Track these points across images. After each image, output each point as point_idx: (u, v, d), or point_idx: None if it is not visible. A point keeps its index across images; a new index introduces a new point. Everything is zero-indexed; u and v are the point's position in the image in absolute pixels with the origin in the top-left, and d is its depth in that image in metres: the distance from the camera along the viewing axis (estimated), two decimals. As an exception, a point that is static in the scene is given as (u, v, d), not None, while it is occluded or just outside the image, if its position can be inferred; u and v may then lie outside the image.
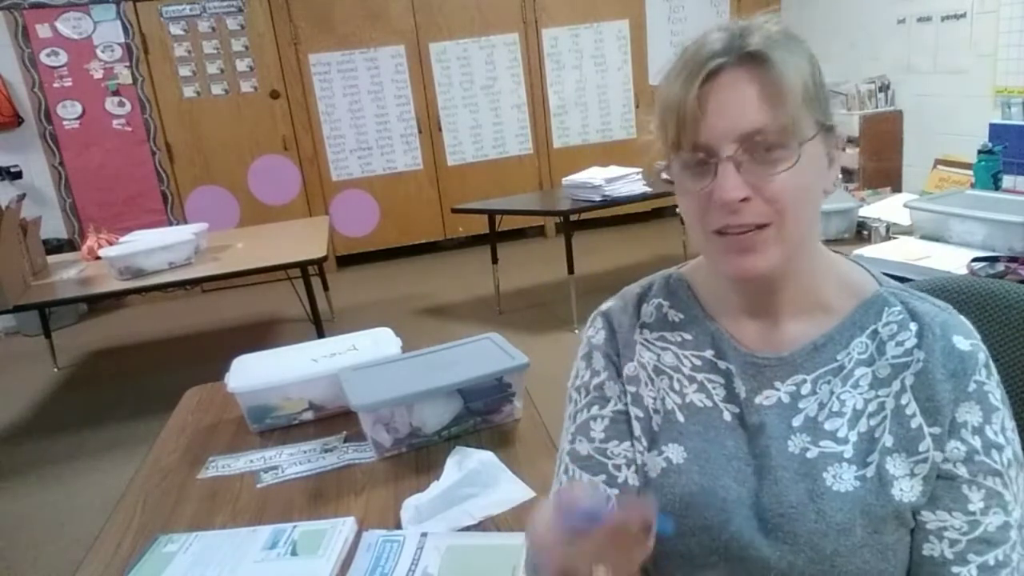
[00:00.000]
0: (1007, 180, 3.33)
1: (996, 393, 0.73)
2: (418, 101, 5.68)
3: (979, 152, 2.93)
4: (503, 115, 5.85)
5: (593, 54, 5.89)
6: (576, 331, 3.93)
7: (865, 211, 2.73)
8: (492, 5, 5.62)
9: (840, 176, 0.83)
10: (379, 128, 5.67)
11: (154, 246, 3.32)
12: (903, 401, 0.73)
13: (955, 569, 0.71)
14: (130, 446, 3.19)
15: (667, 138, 0.72)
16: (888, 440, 0.73)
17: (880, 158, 4.84)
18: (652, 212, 5.87)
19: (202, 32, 5.24)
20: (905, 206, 2.59)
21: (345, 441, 1.48)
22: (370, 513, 1.23)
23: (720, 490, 0.76)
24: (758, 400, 0.78)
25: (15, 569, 2.48)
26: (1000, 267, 2.06)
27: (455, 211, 4.63)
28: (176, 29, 5.20)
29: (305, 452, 1.45)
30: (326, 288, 4.56)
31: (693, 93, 0.69)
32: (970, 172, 3.07)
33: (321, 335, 3.30)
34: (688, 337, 0.83)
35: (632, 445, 0.82)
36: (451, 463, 1.31)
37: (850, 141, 4.89)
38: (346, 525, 1.18)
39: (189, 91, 5.31)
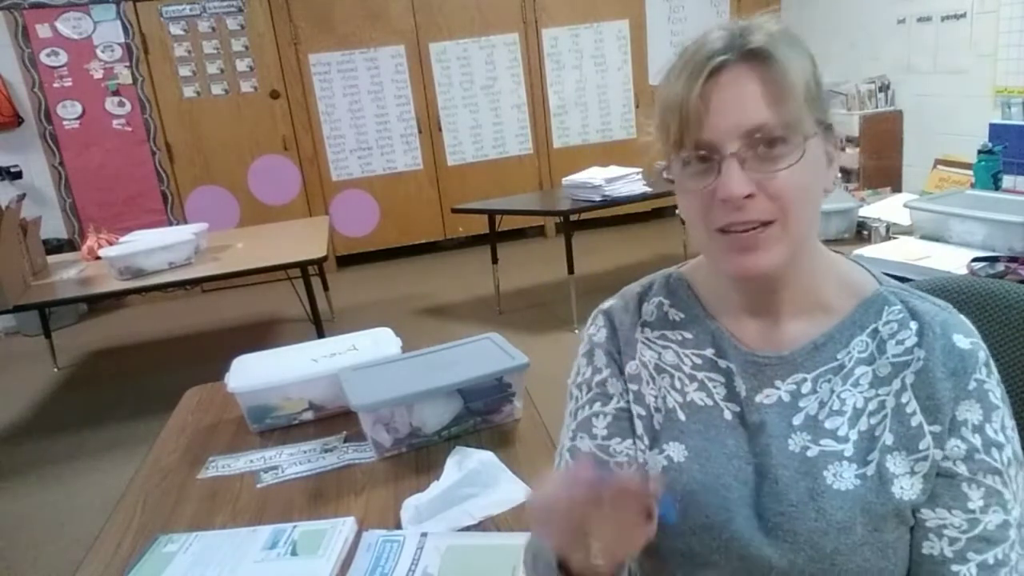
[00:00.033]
0: (1007, 180, 3.33)
1: (996, 392, 0.73)
2: (418, 101, 5.68)
3: (979, 152, 2.93)
4: (503, 115, 5.85)
5: (593, 54, 5.90)
6: (576, 331, 3.93)
7: (865, 211, 2.73)
8: (492, 5, 5.62)
9: (839, 176, 0.83)
10: (379, 128, 5.67)
11: (154, 246, 3.32)
12: (903, 399, 0.73)
13: (954, 567, 0.71)
14: (130, 446, 3.19)
15: (669, 137, 0.72)
16: (888, 438, 0.73)
17: (880, 158, 4.84)
18: (652, 212, 5.87)
19: (202, 32, 5.24)
20: (905, 206, 2.59)
21: (345, 441, 1.48)
22: (370, 513, 1.23)
23: (721, 488, 0.76)
24: (758, 399, 0.78)
25: (15, 569, 2.48)
26: (1000, 267, 2.06)
27: (455, 211, 4.63)
28: (176, 29, 5.20)
29: (305, 452, 1.45)
30: (326, 288, 4.56)
31: (696, 91, 0.69)
32: (970, 172, 3.07)
33: (321, 335, 3.30)
34: (689, 336, 0.83)
35: (634, 443, 0.82)
36: (451, 463, 1.31)
37: (850, 141, 4.89)
38: (346, 525, 1.18)
39: (189, 91, 5.31)
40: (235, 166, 5.47)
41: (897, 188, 4.19)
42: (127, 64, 5.14)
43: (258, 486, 1.35)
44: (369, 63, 5.53)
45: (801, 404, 0.76)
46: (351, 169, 5.70)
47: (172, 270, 3.32)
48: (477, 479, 1.24)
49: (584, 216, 4.37)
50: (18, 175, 5.07)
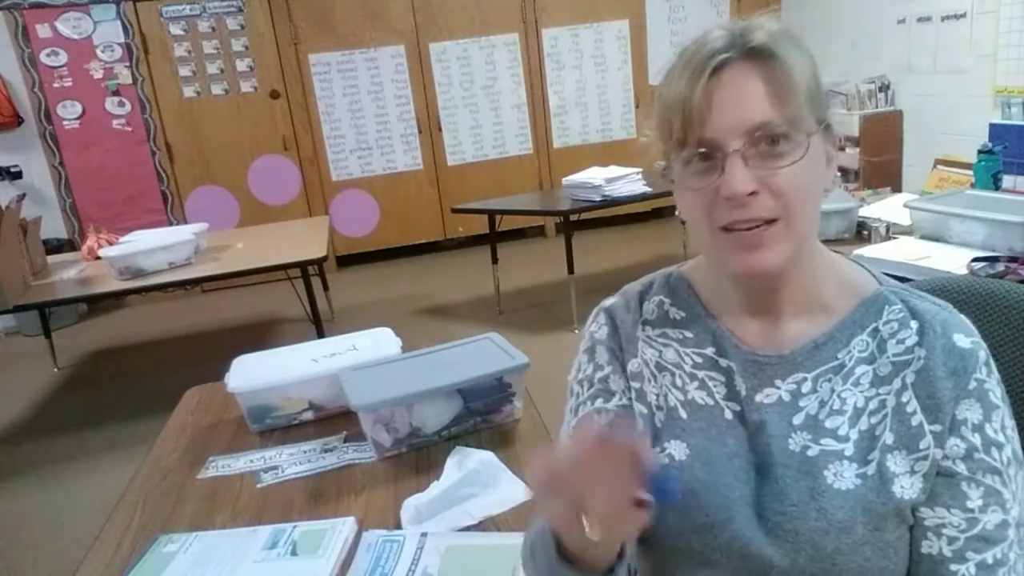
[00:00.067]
0: (1007, 180, 3.33)
1: (996, 391, 0.73)
2: (418, 101, 5.68)
3: (979, 152, 2.93)
4: (503, 115, 5.85)
5: (593, 54, 5.90)
6: (576, 331, 3.92)
7: (865, 211, 2.73)
8: (492, 5, 5.62)
9: (839, 175, 0.83)
10: (379, 128, 5.67)
11: (154, 246, 3.32)
12: (904, 399, 0.73)
13: (953, 567, 0.71)
14: (130, 446, 3.19)
15: (672, 136, 0.72)
16: (889, 438, 0.73)
17: (880, 158, 4.84)
18: (652, 212, 5.87)
19: (202, 32, 5.24)
20: (905, 206, 2.59)
21: (345, 441, 1.48)
22: (370, 513, 1.23)
23: (723, 488, 0.76)
24: (758, 398, 0.78)
25: (15, 569, 2.48)
26: (1000, 267, 2.06)
27: (455, 211, 4.63)
28: (176, 29, 5.20)
29: (305, 452, 1.45)
30: (326, 288, 4.56)
31: (699, 89, 0.69)
32: (970, 172, 3.07)
33: (321, 335, 3.30)
34: (689, 335, 0.83)
35: None
36: (451, 463, 1.31)
37: (850, 141, 4.89)
38: (346, 525, 1.18)
39: (189, 91, 5.31)
40: (235, 166, 5.47)
41: (897, 188, 4.20)
42: (127, 64, 5.14)
43: (258, 486, 1.35)
44: (369, 63, 5.53)
45: (801, 403, 0.76)
46: (351, 169, 5.70)
47: (172, 270, 3.32)
48: (477, 479, 1.24)
49: (584, 216, 4.37)
50: (18, 175, 5.07)
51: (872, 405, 0.74)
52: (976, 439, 0.71)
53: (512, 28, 5.70)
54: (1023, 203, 2.37)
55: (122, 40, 5.11)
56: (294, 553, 1.13)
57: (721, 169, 0.70)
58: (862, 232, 2.60)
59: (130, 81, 5.17)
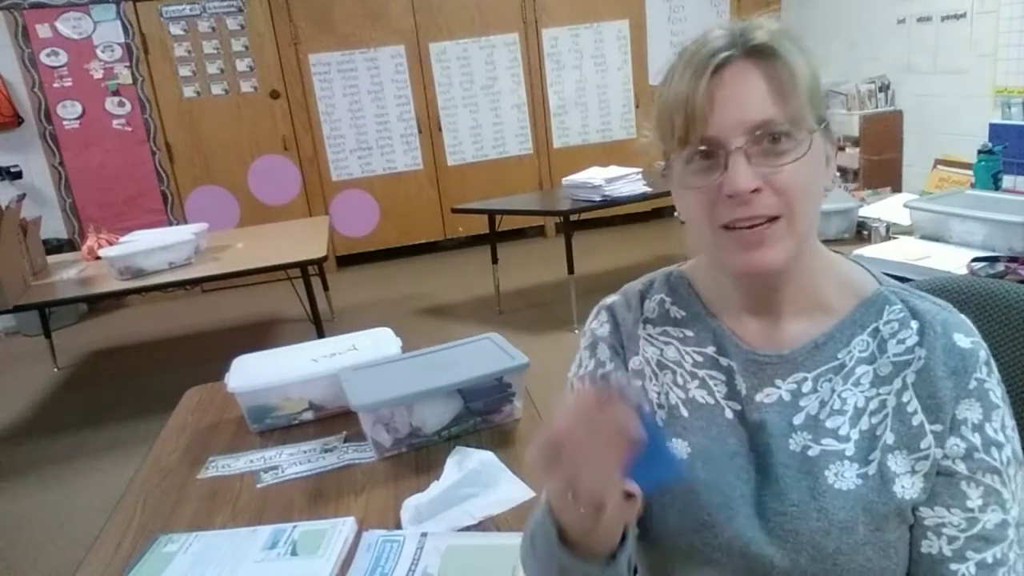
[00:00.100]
0: (1007, 180, 3.33)
1: (996, 391, 0.73)
2: (418, 101, 5.68)
3: (979, 152, 2.93)
4: (503, 115, 5.85)
5: (593, 54, 5.90)
6: (576, 331, 3.92)
7: (865, 211, 2.73)
8: (492, 5, 5.62)
9: (838, 175, 0.83)
10: (379, 128, 5.67)
11: (154, 246, 3.32)
12: (904, 399, 0.73)
13: (953, 566, 0.71)
14: (130, 446, 3.19)
15: (673, 134, 0.72)
16: (890, 438, 0.73)
17: (880, 158, 4.84)
18: (652, 212, 5.87)
19: (202, 32, 5.24)
20: (905, 206, 2.59)
21: (345, 441, 1.48)
22: (370, 513, 1.23)
23: (724, 487, 0.76)
24: (759, 398, 0.78)
25: (15, 569, 2.48)
26: (1000, 267, 2.06)
27: (455, 211, 4.63)
28: (176, 29, 5.20)
29: (305, 452, 1.45)
30: (326, 288, 4.56)
31: (702, 87, 0.69)
32: (970, 172, 3.07)
33: (321, 335, 3.30)
34: (690, 334, 0.83)
35: None
36: (451, 463, 1.31)
37: (850, 141, 4.89)
38: (346, 525, 1.17)
39: (189, 91, 5.31)
40: (235, 166, 5.47)
41: (897, 188, 4.19)
42: (127, 64, 5.14)
43: (258, 486, 1.35)
44: (369, 63, 5.53)
45: (802, 403, 0.76)
46: (351, 169, 5.70)
47: (172, 270, 3.32)
48: (477, 479, 1.24)
49: (584, 216, 4.37)
50: (18, 175, 5.07)
51: (873, 405, 0.74)
52: (976, 439, 0.71)
53: (512, 28, 5.70)
54: (1023, 203, 2.37)
55: (122, 40, 5.11)
56: (294, 553, 1.13)
57: (723, 167, 0.70)
58: (862, 232, 2.60)
59: (130, 81, 5.17)
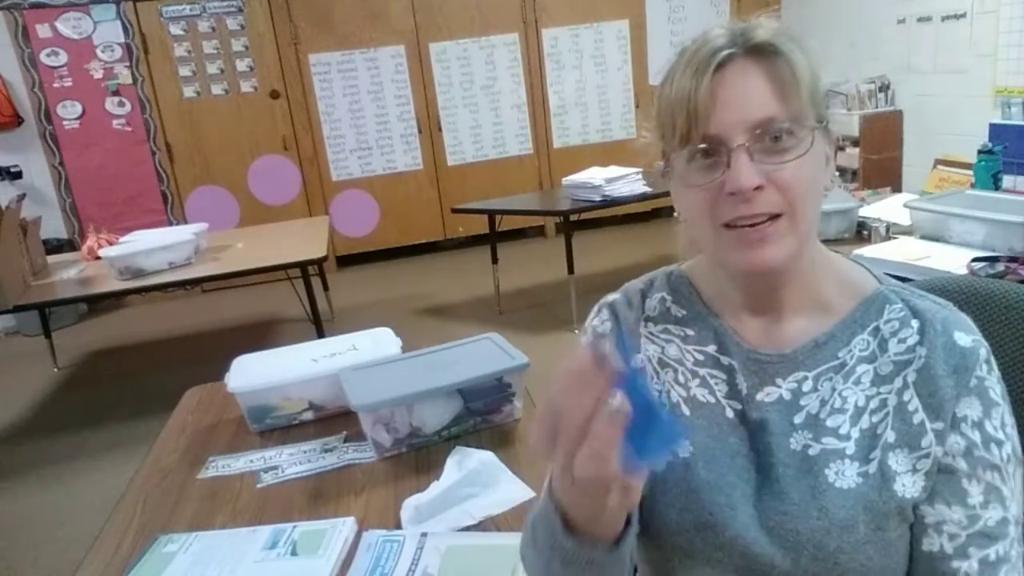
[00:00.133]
0: (1007, 180, 3.33)
1: (997, 389, 0.73)
2: (418, 101, 5.68)
3: (979, 152, 2.93)
4: (503, 115, 5.85)
5: (593, 54, 5.90)
6: (576, 331, 3.92)
7: (865, 211, 2.73)
8: (492, 5, 5.62)
9: (837, 175, 0.83)
10: (379, 128, 5.67)
11: (154, 246, 3.32)
12: (905, 397, 0.73)
13: (955, 563, 0.71)
14: (130, 446, 3.19)
15: (675, 133, 0.72)
16: (890, 436, 0.73)
17: (880, 158, 4.84)
18: (652, 212, 5.87)
19: (202, 32, 5.24)
20: (905, 206, 2.59)
21: (345, 441, 1.47)
22: (370, 513, 1.22)
23: (725, 486, 0.76)
24: (759, 397, 0.78)
25: (15, 569, 2.48)
26: (1000, 267, 2.05)
27: (455, 211, 4.63)
28: (176, 29, 5.20)
29: (305, 452, 1.45)
30: (326, 288, 4.56)
31: (704, 85, 0.69)
32: (970, 172, 3.07)
33: (321, 335, 3.30)
34: (691, 332, 0.83)
35: None
36: (451, 463, 1.31)
37: (850, 140, 4.89)
38: (346, 525, 1.17)
39: (189, 91, 5.31)
40: (235, 166, 5.47)
41: (897, 188, 4.20)
42: (127, 64, 5.14)
43: (258, 486, 1.35)
44: (369, 63, 5.53)
45: (802, 402, 0.76)
46: (351, 169, 5.70)
47: (172, 270, 3.32)
48: (477, 479, 1.24)
49: (584, 216, 4.37)
50: (18, 175, 5.07)
51: (873, 404, 0.74)
52: (976, 436, 0.72)
53: (512, 28, 5.70)
54: (1023, 203, 2.37)
55: (122, 40, 5.11)
56: (294, 553, 1.13)
57: (726, 165, 0.70)
58: (862, 232, 2.60)
59: (130, 81, 5.17)
